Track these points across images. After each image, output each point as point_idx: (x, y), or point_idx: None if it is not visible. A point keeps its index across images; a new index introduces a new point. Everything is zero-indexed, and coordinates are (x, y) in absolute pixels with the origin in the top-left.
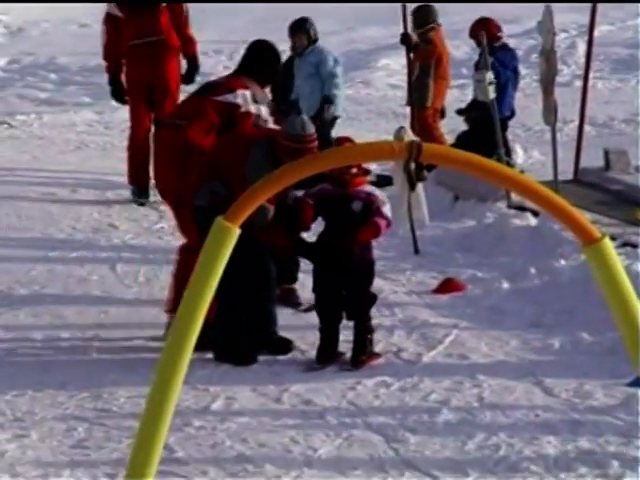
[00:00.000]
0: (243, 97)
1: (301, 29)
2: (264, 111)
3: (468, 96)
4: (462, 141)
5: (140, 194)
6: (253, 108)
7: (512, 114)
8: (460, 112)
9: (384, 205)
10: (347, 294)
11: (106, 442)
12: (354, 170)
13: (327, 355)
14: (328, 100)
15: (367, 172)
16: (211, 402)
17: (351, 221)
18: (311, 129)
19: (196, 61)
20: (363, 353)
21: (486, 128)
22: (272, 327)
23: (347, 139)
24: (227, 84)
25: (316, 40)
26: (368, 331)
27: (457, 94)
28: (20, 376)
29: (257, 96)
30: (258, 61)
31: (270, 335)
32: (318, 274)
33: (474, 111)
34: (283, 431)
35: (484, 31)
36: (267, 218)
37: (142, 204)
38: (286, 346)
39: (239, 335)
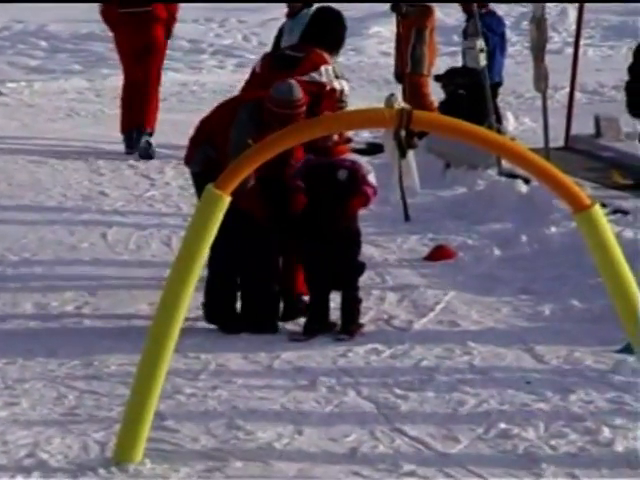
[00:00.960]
0: (327, 73)
1: None
2: (346, 86)
3: (459, 63)
4: (444, 110)
5: (128, 143)
6: (337, 84)
7: (501, 81)
8: (438, 78)
9: (369, 173)
10: (334, 264)
11: (97, 410)
12: (335, 138)
13: (314, 327)
14: None
15: (348, 140)
16: (202, 369)
17: (337, 190)
18: (299, 94)
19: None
20: (353, 322)
21: (473, 95)
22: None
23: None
24: (310, 60)
25: (311, 4)
26: (356, 301)
27: (449, 61)
28: (10, 344)
29: (337, 70)
30: (329, 31)
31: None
32: (305, 245)
33: (460, 77)
34: (274, 398)
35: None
36: (246, 185)
37: (130, 153)
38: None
39: (230, 303)
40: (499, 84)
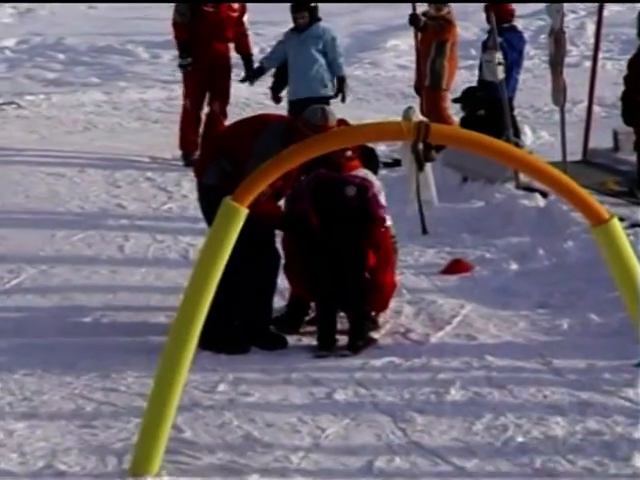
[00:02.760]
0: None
1: (304, 6)
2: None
3: (476, 77)
4: (466, 125)
5: (187, 158)
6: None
7: (513, 97)
8: (456, 100)
9: (380, 193)
10: (341, 282)
11: (114, 422)
12: (349, 153)
13: (329, 341)
14: (344, 79)
15: (359, 156)
16: (219, 382)
17: (345, 207)
18: (333, 120)
19: None
20: (360, 338)
21: (491, 109)
22: (265, 323)
23: (342, 121)
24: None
25: (319, 18)
26: (364, 317)
27: (466, 75)
28: (29, 356)
29: None
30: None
31: (262, 331)
32: (312, 262)
33: (479, 91)
34: (291, 411)
35: (493, 12)
36: (261, 198)
37: (188, 165)
38: (281, 342)
39: (231, 324)
40: (511, 99)
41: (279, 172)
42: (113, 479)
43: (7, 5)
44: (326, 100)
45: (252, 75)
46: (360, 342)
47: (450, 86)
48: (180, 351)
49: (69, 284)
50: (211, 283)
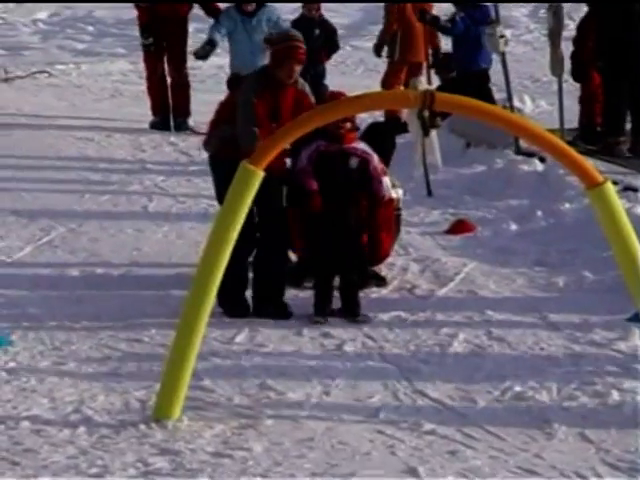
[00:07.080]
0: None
1: None
2: (401, 194)
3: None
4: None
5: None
6: (394, 193)
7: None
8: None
9: (379, 165)
10: (338, 252)
11: (138, 370)
12: (348, 125)
13: (324, 309)
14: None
15: (356, 129)
16: (236, 334)
17: (348, 179)
18: (297, 32)
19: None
20: (358, 305)
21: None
22: (278, 290)
23: (340, 93)
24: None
25: (264, 3)
26: (356, 285)
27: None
28: (58, 308)
29: (392, 180)
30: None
31: (274, 298)
32: (312, 232)
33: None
34: (303, 361)
35: None
36: (254, 142)
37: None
38: (285, 314)
39: (243, 289)
40: (487, 70)
41: (294, 137)
42: (137, 423)
43: None
44: None
45: (204, 51)
46: (358, 308)
47: (412, 59)
48: (200, 304)
49: (96, 241)
50: (228, 241)
